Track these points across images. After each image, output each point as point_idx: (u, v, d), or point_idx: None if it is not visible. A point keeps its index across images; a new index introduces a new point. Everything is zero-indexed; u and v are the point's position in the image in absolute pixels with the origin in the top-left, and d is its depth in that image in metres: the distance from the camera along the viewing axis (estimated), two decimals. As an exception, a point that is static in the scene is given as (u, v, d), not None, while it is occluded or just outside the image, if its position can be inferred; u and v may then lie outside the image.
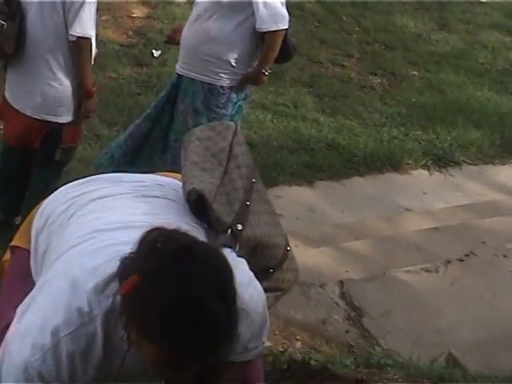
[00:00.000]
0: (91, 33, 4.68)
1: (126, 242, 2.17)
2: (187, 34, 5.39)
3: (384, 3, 11.02)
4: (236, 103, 5.48)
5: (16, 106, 4.95)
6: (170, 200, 2.57)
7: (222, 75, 5.32)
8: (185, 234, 2.15)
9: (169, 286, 1.98)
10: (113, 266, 2.11)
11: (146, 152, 5.60)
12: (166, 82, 6.04)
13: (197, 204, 2.54)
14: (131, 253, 2.08)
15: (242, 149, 2.81)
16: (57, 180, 5.12)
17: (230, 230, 2.55)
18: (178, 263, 2.01)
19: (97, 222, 2.37)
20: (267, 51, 5.31)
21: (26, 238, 2.60)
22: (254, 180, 2.78)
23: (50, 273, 2.24)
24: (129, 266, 2.05)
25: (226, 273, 2.07)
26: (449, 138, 8.02)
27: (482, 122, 8.44)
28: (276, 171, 6.74)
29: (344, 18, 10.42)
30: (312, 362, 4.17)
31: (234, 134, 2.82)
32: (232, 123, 2.98)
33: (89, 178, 2.72)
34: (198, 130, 2.94)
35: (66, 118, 4.96)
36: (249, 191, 2.74)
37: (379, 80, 9.25)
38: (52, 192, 2.74)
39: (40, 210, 2.62)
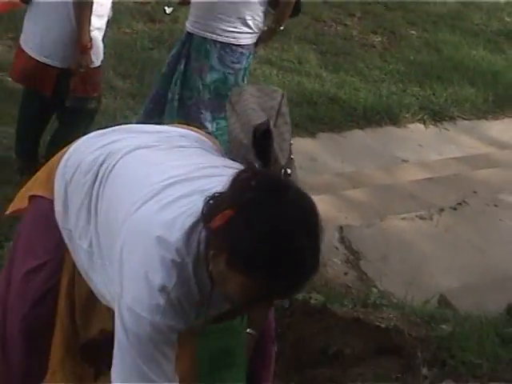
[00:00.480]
0: None
1: (187, 194, 2.18)
2: None
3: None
4: (248, 56, 5.39)
5: (22, 45, 5.04)
6: (200, 149, 2.49)
7: (236, 34, 5.21)
8: (276, 174, 2.21)
9: (263, 220, 1.97)
10: (187, 217, 2.12)
11: (166, 112, 5.50)
12: (177, 38, 5.92)
13: (259, 141, 2.50)
14: (218, 193, 2.08)
15: (287, 110, 2.74)
16: (76, 129, 5.07)
17: (283, 171, 2.49)
18: (272, 199, 2.00)
19: (151, 180, 2.28)
20: (285, 9, 5.26)
21: (47, 188, 2.50)
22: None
23: (124, 239, 2.17)
24: (220, 203, 2.05)
25: (315, 213, 2.06)
26: (444, 94, 7.94)
27: (476, 80, 8.34)
28: (280, 123, 6.61)
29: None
30: (312, 301, 4.13)
31: (282, 96, 2.75)
32: (279, 89, 2.93)
33: (111, 129, 2.64)
34: (247, 88, 2.86)
35: (60, 63, 4.93)
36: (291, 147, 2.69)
37: (379, 38, 9.14)
38: (70, 141, 2.66)
39: (64, 160, 2.50)
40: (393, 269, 5.04)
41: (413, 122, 7.47)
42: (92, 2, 4.73)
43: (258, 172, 2.16)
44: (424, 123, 7.52)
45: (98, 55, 5.05)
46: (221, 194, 2.09)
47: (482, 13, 10.13)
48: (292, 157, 2.63)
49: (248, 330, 2.54)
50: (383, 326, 3.93)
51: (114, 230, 2.22)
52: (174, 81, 5.41)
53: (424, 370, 3.68)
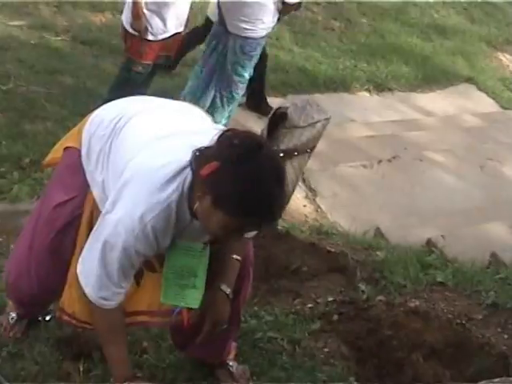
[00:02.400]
0: None
1: (177, 145, 2.16)
2: None
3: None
4: (262, 44, 5.37)
5: None
6: (195, 116, 2.42)
7: (255, 29, 5.13)
8: (255, 134, 2.15)
9: (245, 171, 1.97)
10: (175, 163, 2.10)
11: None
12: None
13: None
14: (206, 147, 2.07)
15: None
16: (123, 86, 4.92)
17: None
18: (252, 154, 1.99)
19: (149, 134, 2.25)
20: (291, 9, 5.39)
21: (77, 140, 2.43)
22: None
23: (127, 176, 2.14)
24: (206, 155, 2.04)
25: (282, 166, 2.11)
26: (386, 70, 7.80)
27: (410, 61, 8.18)
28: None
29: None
30: (279, 228, 4.07)
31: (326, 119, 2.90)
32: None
33: (134, 97, 2.58)
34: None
35: (127, 27, 4.78)
36: None
37: (338, 24, 8.88)
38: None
39: (91, 118, 2.45)
40: (341, 204, 5.01)
41: (360, 91, 7.37)
42: None
43: (239, 132, 2.10)
44: (369, 92, 7.42)
45: (155, 30, 4.79)
46: (207, 148, 2.08)
47: (417, 9, 9.90)
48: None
49: (234, 256, 2.46)
50: (332, 250, 3.91)
51: (119, 170, 2.19)
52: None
53: (362, 286, 3.63)
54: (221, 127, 2.30)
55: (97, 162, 2.32)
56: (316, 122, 3.25)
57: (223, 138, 2.07)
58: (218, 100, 5.39)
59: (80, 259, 2.27)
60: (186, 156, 2.11)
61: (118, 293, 2.26)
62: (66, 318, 2.50)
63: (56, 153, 2.58)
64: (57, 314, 2.58)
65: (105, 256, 2.17)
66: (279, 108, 2.53)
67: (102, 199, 2.30)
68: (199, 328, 2.55)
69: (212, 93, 5.38)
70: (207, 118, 2.42)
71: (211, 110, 5.36)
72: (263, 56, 5.89)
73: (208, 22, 5.96)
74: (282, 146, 2.78)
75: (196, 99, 5.32)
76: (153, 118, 2.34)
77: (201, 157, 2.07)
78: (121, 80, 5.05)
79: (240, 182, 1.97)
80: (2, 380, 2.51)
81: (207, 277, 2.39)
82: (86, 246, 2.25)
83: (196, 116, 2.40)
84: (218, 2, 5.26)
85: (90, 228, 2.31)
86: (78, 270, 2.28)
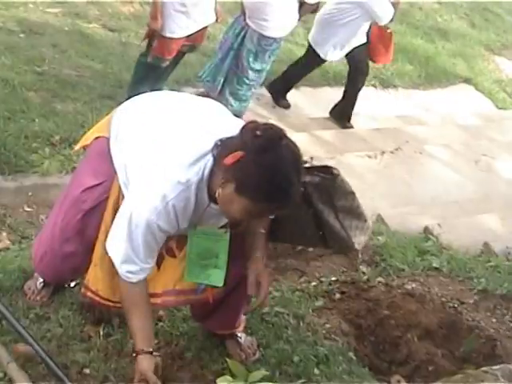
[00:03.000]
0: None
1: (200, 135, 2.16)
2: None
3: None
4: (279, 42, 5.36)
5: None
6: (217, 109, 2.39)
7: (273, 28, 5.15)
8: (276, 126, 2.10)
9: (268, 160, 1.97)
10: (197, 149, 2.11)
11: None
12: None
13: None
14: (228, 137, 2.08)
15: None
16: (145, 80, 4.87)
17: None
18: (275, 145, 2.00)
19: (175, 122, 2.25)
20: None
21: (106, 130, 2.40)
22: None
23: (150, 160, 2.17)
24: (229, 145, 2.04)
25: (301, 156, 2.07)
26: (391, 68, 7.62)
27: (414, 60, 8.03)
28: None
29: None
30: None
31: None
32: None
33: (159, 91, 2.63)
34: None
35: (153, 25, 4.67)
36: None
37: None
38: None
39: (119, 108, 2.45)
40: (345, 191, 4.94)
41: (367, 86, 7.06)
42: None
43: (261, 124, 2.09)
44: (375, 88, 7.26)
45: (168, 27, 4.67)
46: (229, 138, 2.08)
47: (422, 13, 9.75)
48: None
49: (261, 231, 2.44)
50: (337, 233, 3.84)
51: (142, 155, 2.20)
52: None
53: (363, 268, 3.60)
54: (241, 120, 2.29)
55: (122, 148, 2.31)
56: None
57: (247, 129, 2.07)
58: (231, 76, 5.38)
59: (109, 236, 2.26)
60: (207, 145, 2.11)
61: (143, 268, 2.24)
62: (90, 294, 2.51)
63: (86, 140, 2.56)
64: (82, 290, 2.57)
65: (131, 232, 2.16)
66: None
67: (125, 183, 2.29)
68: (219, 304, 2.57)
69: (226, 68, 5.34)
70: (227, 112, 2.39)
71: (226, 86, 5.35)
72: (360, 71, 5.85)
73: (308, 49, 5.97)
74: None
75: (212, 75, 5.33)
76: (177, 110, 2.33)
77: (223, 146, 2.07)
78: (141, 74, 4.96)
79: (263, 171, 1.97)
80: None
81: (230, 256, 2.38)
82: (114, 224, 2.24)
83: (217, 110, 2.37)
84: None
85: (116, 210, 2.29)
86: (107, 247, 2.26)
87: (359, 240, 2.54)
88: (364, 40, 5.77)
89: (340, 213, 2.43)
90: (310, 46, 5.89)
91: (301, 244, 3.26)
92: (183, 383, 2.55)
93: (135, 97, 2.47)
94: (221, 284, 2.40)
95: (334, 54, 5.82)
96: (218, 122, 2.26)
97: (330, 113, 6.19)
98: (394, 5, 5.56)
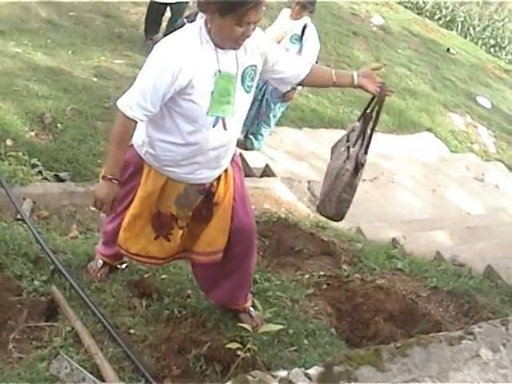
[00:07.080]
0: None
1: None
2: None
3: None
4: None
5: None
6: None
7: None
8: None
9: None
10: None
11: None
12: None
13: None
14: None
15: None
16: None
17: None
18: None
19: None
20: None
21: None
22: None
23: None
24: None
25: None
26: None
27: (390, 112, 7.87)
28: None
29: None
30: (289, 220, 4.02)
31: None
32: None
33: None
34: None
35: None
36: None
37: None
38: None
39: None
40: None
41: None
42: None
43: None
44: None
45: None
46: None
47: (397, 77, 9.75)
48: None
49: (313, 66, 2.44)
50: (326, 239, 3.84)
51: None
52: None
53: (344, 267, 3.58)
54: None
55: None
56: None
57: None
58: (254, 121, 5.34)
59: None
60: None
61: (144, 107, 2.09)
62: (122, 251, 2.51)
63: None
64: (116, 248, 2.56)
65: (143, 74, 2.08)
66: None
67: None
68: (223, 279, 2.55)
69: (252, 116, 5.29)
70: None
71: (249, 128, 5.34)
72: None
73: None
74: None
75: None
76: None
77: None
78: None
79: None
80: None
81: None
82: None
83: None
84: None
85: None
86: (118, 101, 2.14)
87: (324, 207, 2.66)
88: None
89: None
90: None
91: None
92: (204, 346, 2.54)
93: None
94: (231, 116, 2.22)
95: None
96: None
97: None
98: None
